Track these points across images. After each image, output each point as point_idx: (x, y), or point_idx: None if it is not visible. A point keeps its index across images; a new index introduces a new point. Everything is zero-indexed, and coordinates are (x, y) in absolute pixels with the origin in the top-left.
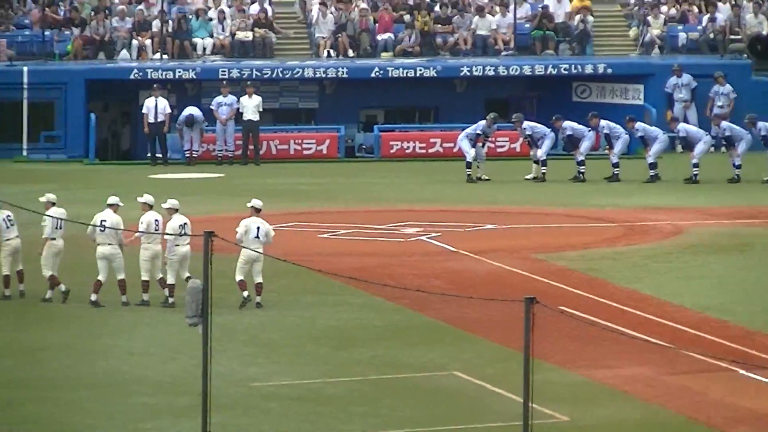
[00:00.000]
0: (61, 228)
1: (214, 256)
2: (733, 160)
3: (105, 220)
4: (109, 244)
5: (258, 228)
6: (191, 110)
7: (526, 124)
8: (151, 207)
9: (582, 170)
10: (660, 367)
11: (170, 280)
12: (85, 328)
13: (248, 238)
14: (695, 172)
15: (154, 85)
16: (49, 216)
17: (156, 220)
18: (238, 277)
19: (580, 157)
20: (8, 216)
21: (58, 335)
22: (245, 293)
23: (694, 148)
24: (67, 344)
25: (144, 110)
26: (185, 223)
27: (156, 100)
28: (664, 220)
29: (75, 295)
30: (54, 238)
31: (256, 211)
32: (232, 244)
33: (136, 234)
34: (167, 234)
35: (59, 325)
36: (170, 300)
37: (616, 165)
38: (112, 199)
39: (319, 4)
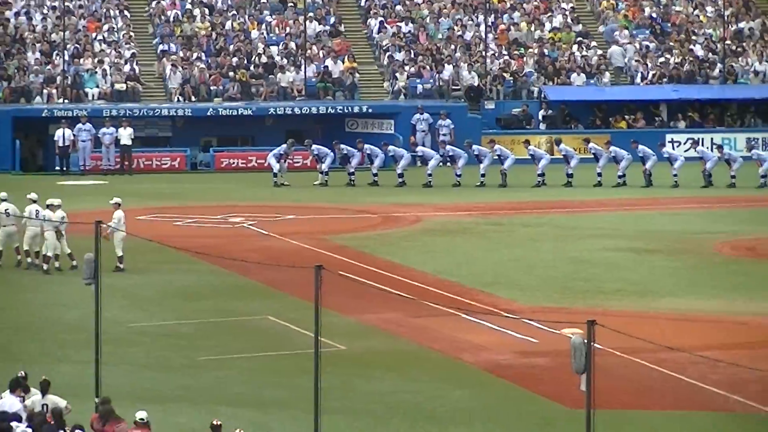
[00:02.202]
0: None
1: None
2: (456, 171)
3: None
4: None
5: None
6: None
7: (314, 146)
8: (35, 201)
9: (353, 179)
10: (407, 312)
11: (50, 253)
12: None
13: (119, 224)
14: (430, 180)
15: (62, 120)
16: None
17: (36, 210)
18: (119, 252)
19: (351, 170)
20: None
21: None
22: (121, 264)
23: (428, 163)
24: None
25: (56, 138)
26: (63, 216)
27: (63, 131)
28: (409, 212)
29: None
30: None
31: (118, 205)
32: (113, 230)
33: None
34: (52, 222)
35: None
36: (45, 267)
37: (375, 175)
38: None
39: (171, 65)
